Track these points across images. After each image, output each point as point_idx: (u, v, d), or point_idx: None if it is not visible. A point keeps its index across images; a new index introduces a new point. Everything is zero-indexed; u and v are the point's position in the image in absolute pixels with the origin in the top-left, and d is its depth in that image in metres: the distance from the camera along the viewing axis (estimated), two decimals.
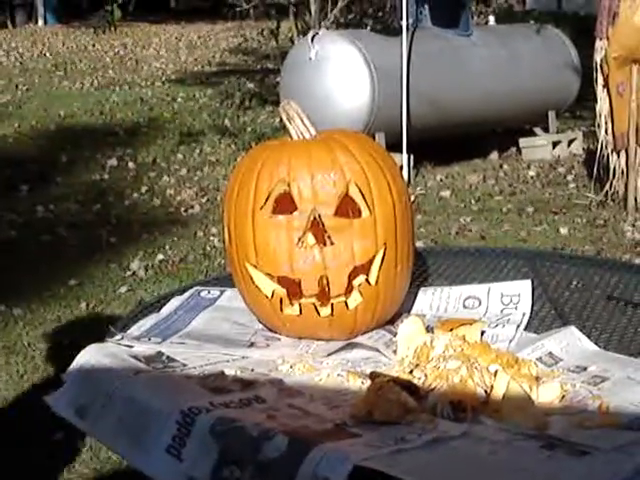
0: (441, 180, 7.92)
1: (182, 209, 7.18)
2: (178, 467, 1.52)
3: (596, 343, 1.91)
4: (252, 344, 1.94)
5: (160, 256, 5.99)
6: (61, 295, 5.37)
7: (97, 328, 4.70)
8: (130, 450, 1.61)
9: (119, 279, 5.61)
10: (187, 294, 2.20)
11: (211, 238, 6.36)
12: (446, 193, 7.48)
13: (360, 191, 1.92)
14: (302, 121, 2.04)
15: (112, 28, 10.98)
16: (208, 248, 6.17)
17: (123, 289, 5.43)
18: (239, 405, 1.61)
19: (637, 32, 6.48)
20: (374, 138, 7.32)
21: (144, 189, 7.66)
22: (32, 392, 4.08)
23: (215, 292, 2.23)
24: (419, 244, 5.51)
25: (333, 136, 2.03)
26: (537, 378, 1.70)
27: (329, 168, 1.93)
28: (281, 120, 2.05)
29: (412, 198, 7.19)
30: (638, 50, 6.50)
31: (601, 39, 6.64)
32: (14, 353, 4.58)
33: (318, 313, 1.93)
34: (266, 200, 1.93)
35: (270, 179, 1.93)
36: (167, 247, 6.21)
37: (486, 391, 1.62)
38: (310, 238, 1.92)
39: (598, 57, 6.69)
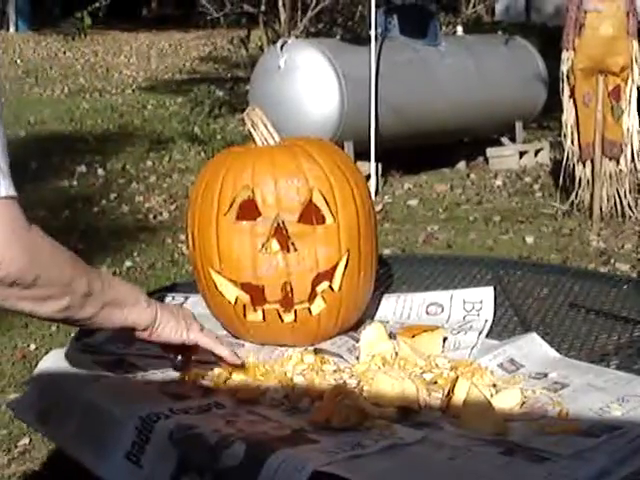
0: (409, 189, 7.94)
1: (151, 216, 7.15)
2: (137, 473, 1.52)
3: (558, 350, 1.92)
4: None
5: (128, 263, 5.97)
6: None
7: (64, 334, 4.69)
8: (90, 456, 1.61)
9: None
10: None
11: (179, 245, 6.34)
12: (414, 202, 7.50)
13: (324, 198, 1.93)
14: (266, 128, 2.04)
15: (83, 35, 10.91)
16: (176, 255, 6.15)
17: None
18: (198, 411, 1.61)
19: (603, 43, 6.52)
20: (342, 147, 7.33)
21: (113, 196, 7.63)
22: None
23: (179, 298, 2.23)
24: (386, 252, 5.52)
25: (297, 143, 2.03)
26: (494, 385, 1.71)
27: (293, 175, 1.93)
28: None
29: (380, 206, 7.21)
30: (604, 61, 6.55)
31: (567, 50, 6.68)
32: None
33: (282, 319, 1.93)
34: (230, 206, 1.93)
35: (234, 185, 1.94)
36: (135, 254, 6.18)
37: (449, 395, 1.63)
38: (274, 244, 1.92)
39: (564, 68, 6.73)
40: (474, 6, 11.49)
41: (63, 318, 1.55)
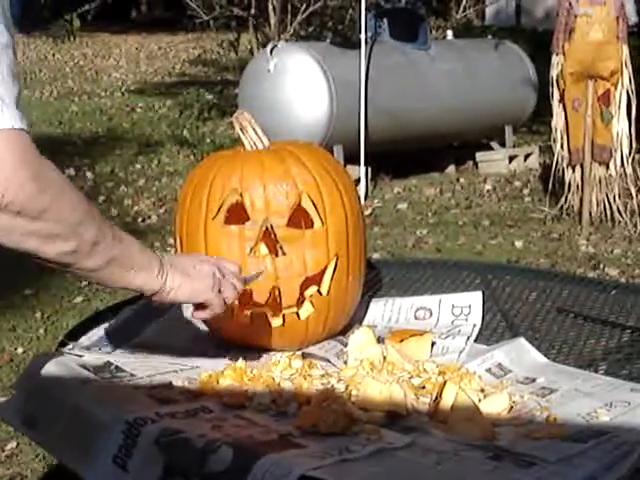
0: (398, 193, 7.94)
1: (139, 219, 7.14)
2: (124, 478, 1.51)
3: (546, 355, 1.92)
4: (203, 354, 1.94)
5: None
6: (16, 304, 5.32)
7: (51, 338, 4.68)
8: (77, 460, 1.60)
9: (75, 289, 5.56)
10: (139, 304, 2.19)
11: (168, 248, 6.33)
12: (403, 206, 7.50)
13: (312, 202, 1.93)
14: (255, 131, 2.04)
15: (72, 38, 10.91)
16: None
17: (79, 299, 5.39)
18: (185, 415, 1.60)
19: (593, 48, 6.54)
20: (332, 150, 7.33)
21: (101, 199, 7.61)
22: None
23: None
24: (375, 256, 5.52)
25: (286, 147, 2.03)
26: (482, 390, 1.71)
27: (281, 179, 1.93)
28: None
29: (369, 210, 7.21)
30: (593, 66, 6.56)
31: (557, 54, 6.68)
32: None
33: (269, 323, 1.93)
34: (218, 210, 1.93)
35: (222, 189, 1.93)
36: None
37: (437, 400, 1.63)
38: (262, 248, 1.92)
39: (554, 72, 6.73)
40: (464, 10, 11.50)
41: (67, 263, 1.51)
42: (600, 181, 6.80)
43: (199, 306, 1.69)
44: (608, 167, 6.75)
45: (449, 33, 9.60)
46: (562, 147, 6.81)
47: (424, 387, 1.74)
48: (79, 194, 1.52)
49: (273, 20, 9.95)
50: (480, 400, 1.66)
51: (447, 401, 1.60)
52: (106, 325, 2.08)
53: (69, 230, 1.48)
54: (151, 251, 1.65)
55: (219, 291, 1.67)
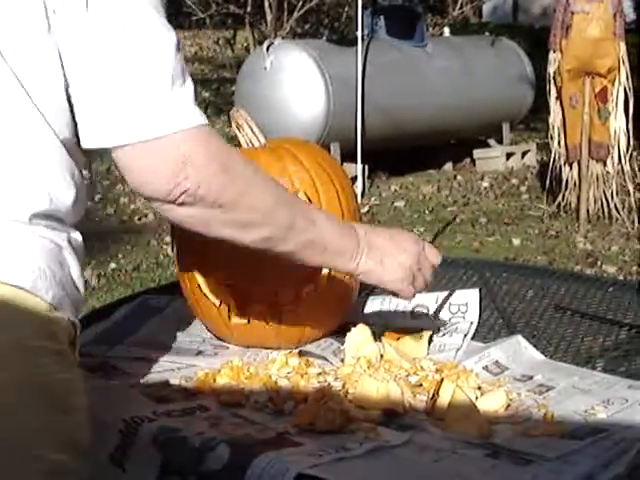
0: (395, 190, 7.95)
1: (136, 218, 7.14)
2: (121, 477, 1.51)
3: (543, 352, 1.92)
4: (200, 352, 1.93)
5: (113, 265, 5.96)
6: None
7: None
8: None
9: None
10: (135, 302, 2.18)
11: (164, 247, 6.33)
12: (400, 203, 7.51)
13: (309, 200, 1.92)
14: (251, 129, 2.03)
15: None
16: (161, 257, 6.15)
17: None
18: (182, 414, 1.60)
19: (590, 45, 6.54)
20: (329, 148, 7.33)
21: (97, 197, 7.61)
22: None
23: (164, 300, 2.22)
24: None
25: (283, 145, 2.02)
26: (479, 387, 1.71)
27: (278, 176, 1.91)
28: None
29: (366, 208, 7.21)
30: (591, 62, 6.56)
31: (554, 51, 6.69)
32: None
33: (266, 322, 1.93)
34: None
35: None
36: (120, 256, 6.17)
37: (434, 398, 1.62)
38: None
39: (551, 69, 6.74)
40: (461, 7, 11.50)
41: (264, 249, 1.57)
42: (597, 178, 6.81)
43: None
44: (605, 164, 6.76)
45: (446, 30, 9.60)
46: (559, 144, 6.82)
47: (421, 385, 1.74)
48: (268, 180, 1.57)
49: (269, 17, 9.95)
50: (477, 398, 1.65)
51: (444, 399, 1.60)
52: (102, 323, 2.08)
53: (262, 217, 1.53)
54: (350, 231, 1.67)
55: (410, 282, 1.72)
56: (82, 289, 1.52)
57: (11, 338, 1.34)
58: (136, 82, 1.41)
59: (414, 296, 1.76)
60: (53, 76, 1.42)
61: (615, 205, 6.78)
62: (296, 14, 10.11)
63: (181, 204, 1.45)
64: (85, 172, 1.54)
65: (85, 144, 1.47)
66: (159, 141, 1.42)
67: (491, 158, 8.77)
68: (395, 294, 1.74)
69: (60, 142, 1.46)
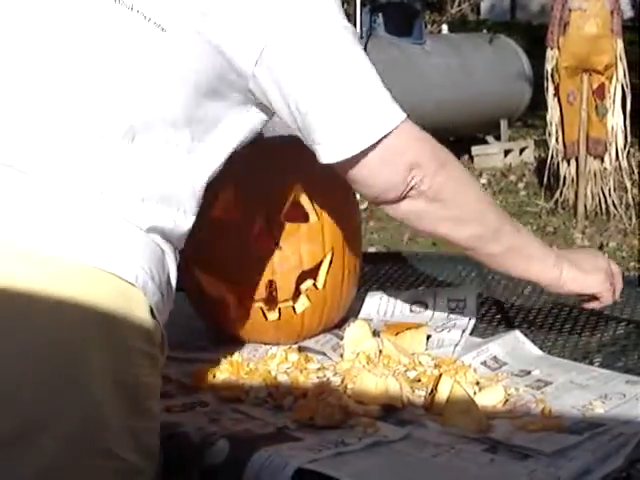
0: None
1: None
2: None
3: (541, 347, 1.92)
4: (199, 348, 1.94)
5: None
6: None
7: None
8: None
9: None
10: None
11: None
12: None
13: (308, 196, 1.93)
14: None
15: None
16: None
17: None
18: (182, 409, 1.61)
19: (587, 42, 6.54)
20: None
21: None
22: None
23: None
24: (371, 250, 5.52)
25: (282, 142, 2.03)
26: (477, 383, 1.72)
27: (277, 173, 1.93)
28: None
29: (365, 204, 7.20)
30: (588, 59, 6.57)
31: (552, 48, 6.70)
32: None
33: (266, 317, 1.93)
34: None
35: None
36: None
37: (432, 393, 1.63)
38: None
39: (549, 66, 6.74)
40: (459, 5, 11.51)
41: (473, 247, 1.63)
42: (595, 174, 6.82)
43: (588, 297, 1.82)
44: (603, 160, 6.77)
45: (444, 28, 9.62)
46: (557, 141, 6.83)
47: (420, 380, 1.74)
48: (474, 179, 1.66)
49: None
50: (475, 393, 1.66)
51: (442, 394, 1.60)
52: None
53: (475, 215, 1.60)
54: (545, 244, 1.75)
55: (610, 284, 1.79)
56: (173, 296, 1.53)
57: (117, 335, 1.35)
58: (358, 87, 1.52)
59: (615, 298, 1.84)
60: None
61: (613, 201, 6.79)
62: None
63: (403, 199, 1.56)
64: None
65: (327, 159, 1.53)
66: (388, 140, 1.51)
67: (489, 155, 8.78)
68: (587, 300, 1.83)
69: (208, 177, 1.52)
